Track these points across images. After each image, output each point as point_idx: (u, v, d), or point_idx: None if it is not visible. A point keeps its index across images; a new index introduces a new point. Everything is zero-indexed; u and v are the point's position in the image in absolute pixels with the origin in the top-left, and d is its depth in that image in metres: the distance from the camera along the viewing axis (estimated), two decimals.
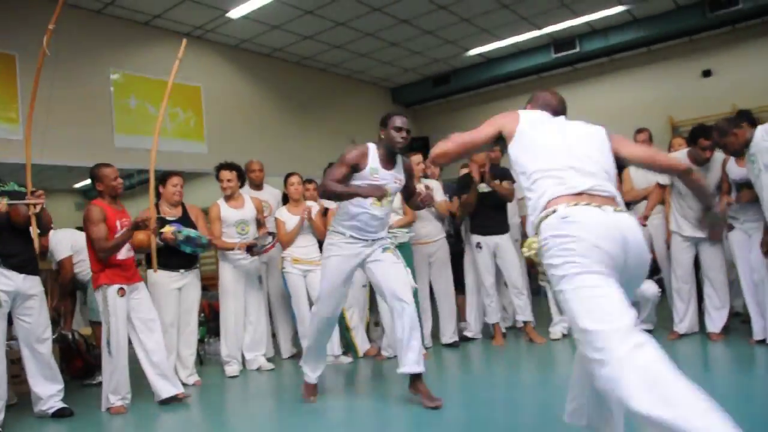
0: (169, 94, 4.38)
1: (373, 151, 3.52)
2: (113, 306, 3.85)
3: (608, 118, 8.39)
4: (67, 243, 5.00)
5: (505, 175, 5.18)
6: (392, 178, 3.55)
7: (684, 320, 4.75)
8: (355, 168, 3.45)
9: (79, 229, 4.78)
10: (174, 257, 4.47)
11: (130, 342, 3.99)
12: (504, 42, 8.84)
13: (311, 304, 5.05)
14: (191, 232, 4.43)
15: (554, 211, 1.94)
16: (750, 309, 4.37)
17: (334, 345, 4.95)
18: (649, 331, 4.76)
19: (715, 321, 4.58)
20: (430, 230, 5.25)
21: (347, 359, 5.01)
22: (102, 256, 3.88)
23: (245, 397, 4.39)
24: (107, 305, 3.86)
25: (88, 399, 4.10)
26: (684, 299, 4.74)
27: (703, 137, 4.39)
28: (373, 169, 3.47)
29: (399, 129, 3.47)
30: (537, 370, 4.44)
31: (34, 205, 3.60)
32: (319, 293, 3.67)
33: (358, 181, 3.45)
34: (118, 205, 4.11)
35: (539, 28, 8.39)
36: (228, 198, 5.01)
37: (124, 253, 3.98)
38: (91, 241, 3.89)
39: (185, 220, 4.61)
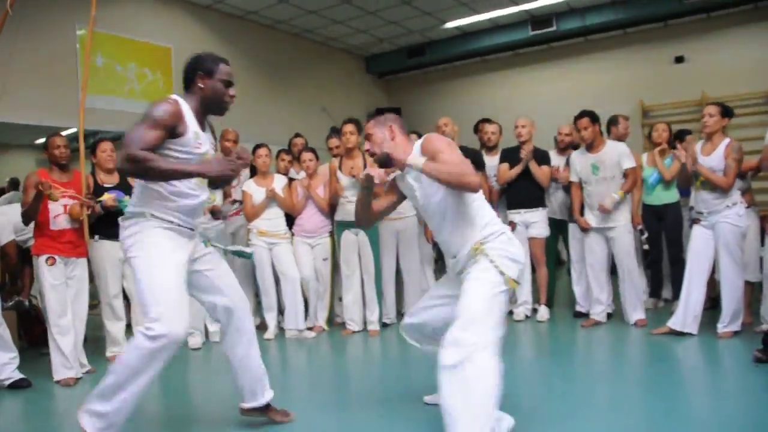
0: (89, 46, 4.28)
1: (186, 107, 2.57)
2: (43, 275, 3.86)
3: (580, 98, 8.53)
4: (9, 226, 4.89)
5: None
6: (210, 144, 2.69)
7: None
8: (172, 131, 2.48)
9: None
10: (116, 226, 4.17)
11: None
12: (481, 16, 8.76)
13: (276, 277, 5.09)
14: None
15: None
16: None
17: (299, 319, 4.97)
18: None
19: None
20: (402, 207, 5.22)
21: (311, 334, 5.02)
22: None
23: (205, 370, 4.37)
24: (38, 274, 3.91)
25: (47, 368, 3.93)
26: None
27: None
28: (196, 134, 2.56)
29: (230, 84, 2.65)
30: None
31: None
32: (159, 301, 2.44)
33: (178, 151, 2.51)
34: (67, 174, 4.03)
35: (517, 3, 8.33)
36: None
37: (61, 224, 3.93)
38: None
39: (124, 185, 4.27)
